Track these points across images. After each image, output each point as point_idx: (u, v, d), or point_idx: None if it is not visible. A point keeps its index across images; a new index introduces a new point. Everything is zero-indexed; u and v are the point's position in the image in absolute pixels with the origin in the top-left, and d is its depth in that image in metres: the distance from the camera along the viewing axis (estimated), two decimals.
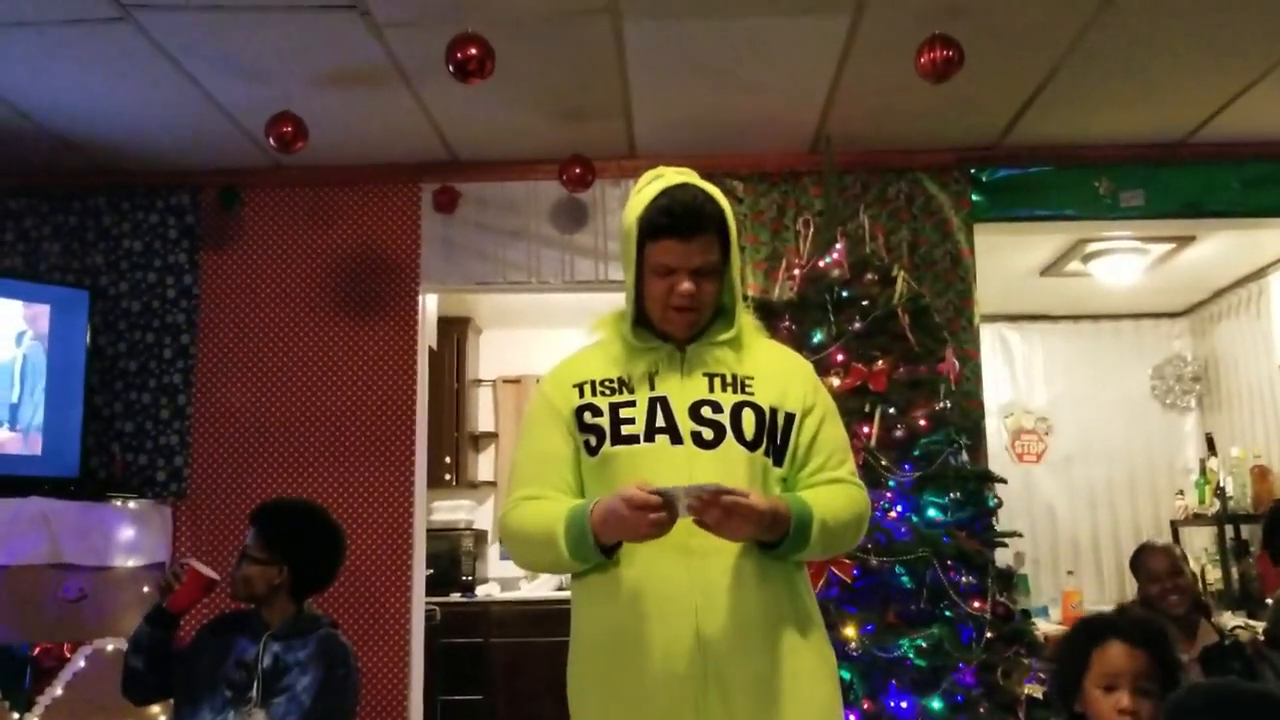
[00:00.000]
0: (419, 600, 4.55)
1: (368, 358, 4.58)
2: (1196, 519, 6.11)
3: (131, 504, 4.28)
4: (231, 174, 4.59)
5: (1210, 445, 6.21)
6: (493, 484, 6.77)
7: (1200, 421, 6.69)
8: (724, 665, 1.88)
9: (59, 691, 3.73)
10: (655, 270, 1.98)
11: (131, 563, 4.19)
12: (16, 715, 3.60)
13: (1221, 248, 5.43)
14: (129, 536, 4.21)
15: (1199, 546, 6.20)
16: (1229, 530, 5.73)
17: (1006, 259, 5.48)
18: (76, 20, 3.36)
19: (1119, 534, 6.66)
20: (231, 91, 3.89)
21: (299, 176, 4.62)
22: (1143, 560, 3.56)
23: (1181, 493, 6.40)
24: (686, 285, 1.96)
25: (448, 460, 6.39)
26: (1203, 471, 6.15)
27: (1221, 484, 5.81)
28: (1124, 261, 5.47)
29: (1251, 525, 5.77)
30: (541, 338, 6.47)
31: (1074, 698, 2.09)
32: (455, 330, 6.49)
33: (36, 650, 3.91)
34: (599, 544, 1.89)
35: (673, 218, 1.95)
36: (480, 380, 6.91)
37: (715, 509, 1.78)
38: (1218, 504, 5.81)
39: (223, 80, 3.80)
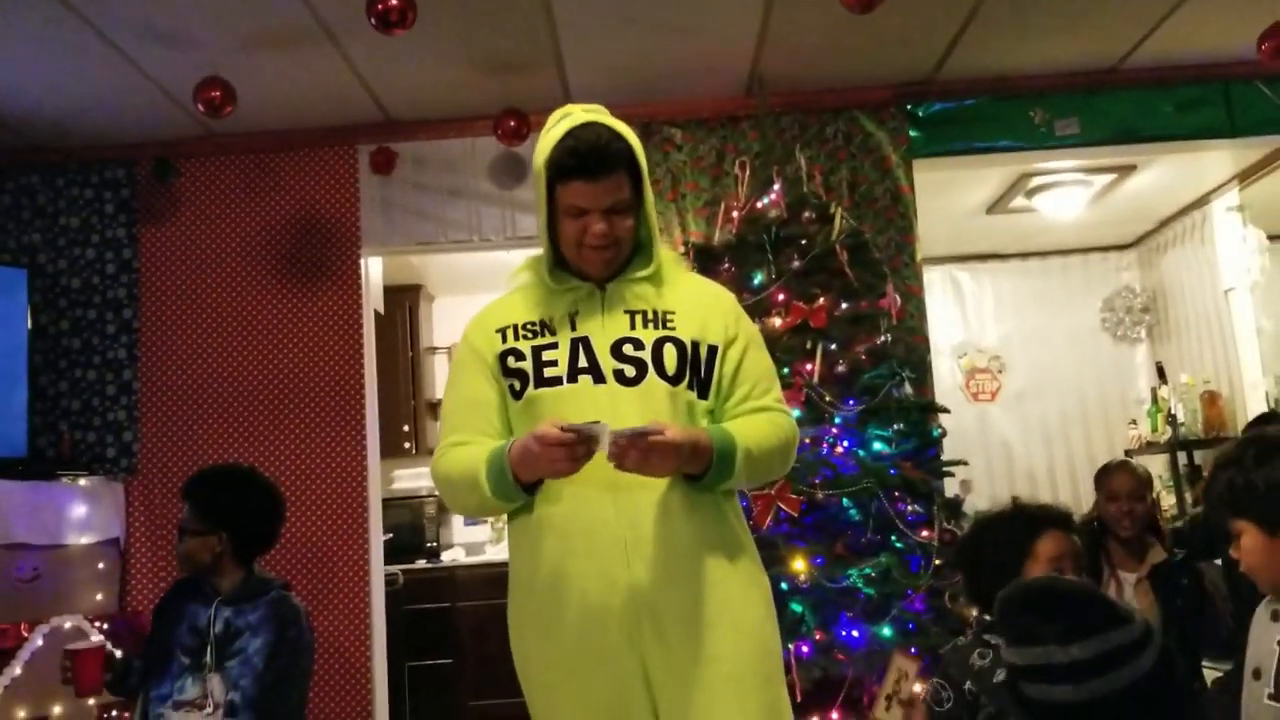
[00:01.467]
0: (377, 567, 4.55)
1: (313, 325, 4.55)
2: (1150, 447, 6.20)
3: (82, 481, 4.25)
4: (165, 145, 4.53)
5: (1161, 374, 6.30)
6: None
7: (1150, 351, 6.79)
8: (655, 597, 1.90)
9: (18, 671, 3.71)
10: (567, 212, 1.98)
11: (85, 540, 4.17)
12: None
13: (1163, 176, 5.48)
14: (81, 514, 4.19)
15: (1153, 474, 6.28)
16: (1181, 457, 5.83)
17: (952, 199, 5.51)
18: None
19: (1074, 466, 6.75)
20: (157, 59, 3.83)
21: (233, 144, 4.56)
22: (1107, 477, 3.55)
23: (1134, 422, 6.49)
24: (599, 226, 1.96)
25: (406, 429, 6.37)
26: (1154, 400, 6.24)
27: (1173, 411, 5.89)
28: (1067, 194, 5.51)
29: (1203, 450, 5.87)
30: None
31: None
32: (406, 298, 6.44)
33: None
34: (519, 482, 1.90)
35: (579, 158, 1.94)
36: (435, 348, 6.88)
37: (634, 452, 1.79)
38: (1169, 431, 5.90)
39: (147, 48, 3.74)
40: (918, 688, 2.96)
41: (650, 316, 2.02)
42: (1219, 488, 1.73)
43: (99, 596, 4.18)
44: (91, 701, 3.79)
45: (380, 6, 3.14)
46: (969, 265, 6.81)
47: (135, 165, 4.58)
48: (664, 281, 2.07)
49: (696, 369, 2.01)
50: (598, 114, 2.01)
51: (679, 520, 1.94)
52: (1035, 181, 5.41)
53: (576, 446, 1.79)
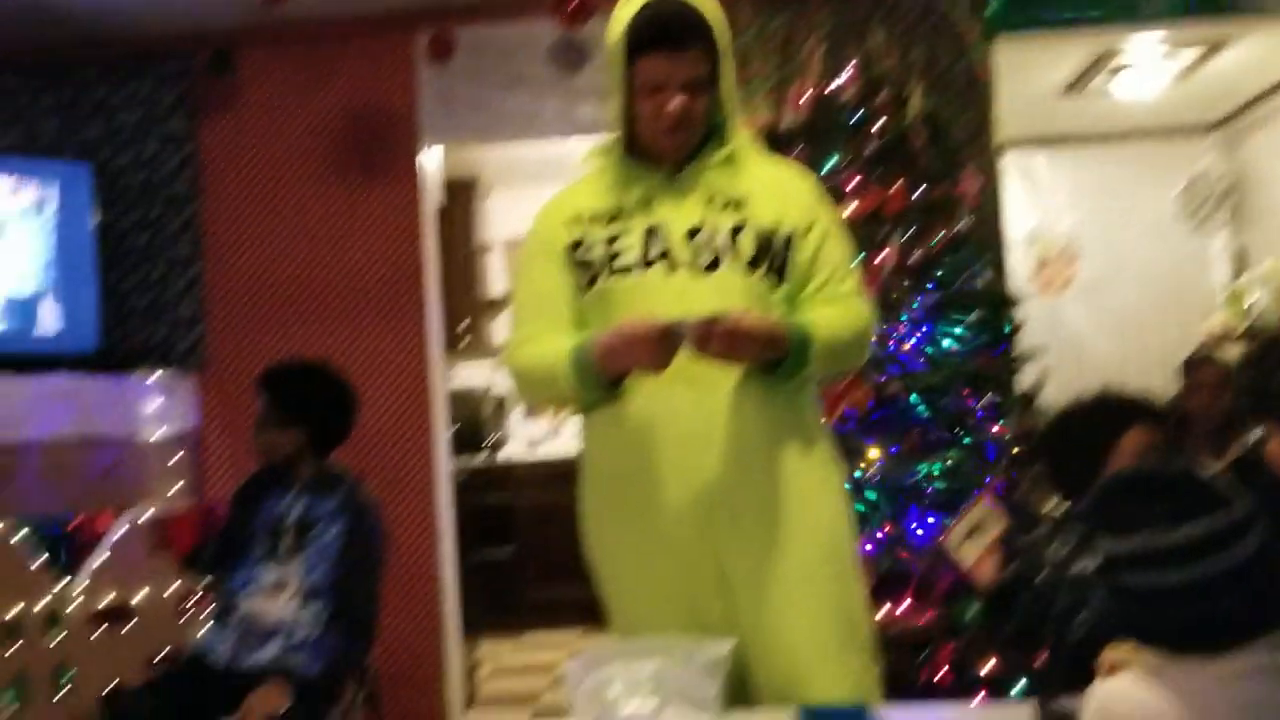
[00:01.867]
0: (443, 461, 4.60)
1: (374, 216, 4.51)
2: (1228, 338, 6.01)
3: (155, 375, 4.31)
4: (221, 36, 4.45)
5: (1241, 262, 6.09)
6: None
7: (1231, 239, 6.54)
8: (729, 489, 1.89)
9: (103, 558, 3.84)
10: (645, 87, 1.90)
11: (160, 432, 4.25)
12: (64, 580, 3.71)
13: (1254, 52, 5.18)
14: (155, 407, 4.27)
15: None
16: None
17: (1027, 79, 5.28)
18: None
19: (1147, 359, 6.56)
20: None
21: (290, 34, 4.47)
22: (1192, 369, 3.49)
23: (1212, 313, 6.30)
24: (677, 101, 1.89)
25: (464, 325, 6.39)
26: (1233, 289, 6.04)
27: (1253, 300, 5.70)
28: (1150, 72, 5.26)
29: None
30: (550, 196, 6.36)
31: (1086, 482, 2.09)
32: (462, 193, 6.39)
33: (76, 521, 4.01)
34: (603, 377, 1.87)
35: (660, 28, 1.87)
36: (491, 244, 6.84)
37: (716, 339, 1.76)
38: (1248, 321, 5.71)
39: None
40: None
41: (726, 202, 1.96)
42: (1241, 388, 1.66)
43: (175, 487, 4.28)
44: (171, 589, 3.92)
45: None
46: (1042, 149, 6.57)
47: (192, 58, 4.51)
48: (740, 165, 2.00)
49: (773, 256, 1.95)
50: None
51: (755, 413, 1.91)
52: (1117, 60, 5.16)
53: (666, 340, 1.76)
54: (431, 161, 4.78)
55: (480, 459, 6.23)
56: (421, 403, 4.50)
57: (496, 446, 6.35)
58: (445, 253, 5.21)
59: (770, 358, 1.87)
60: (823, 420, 2.06)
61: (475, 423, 6.35)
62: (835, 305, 1.97)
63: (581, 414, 2.06)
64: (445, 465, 4.62)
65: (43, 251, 4.15)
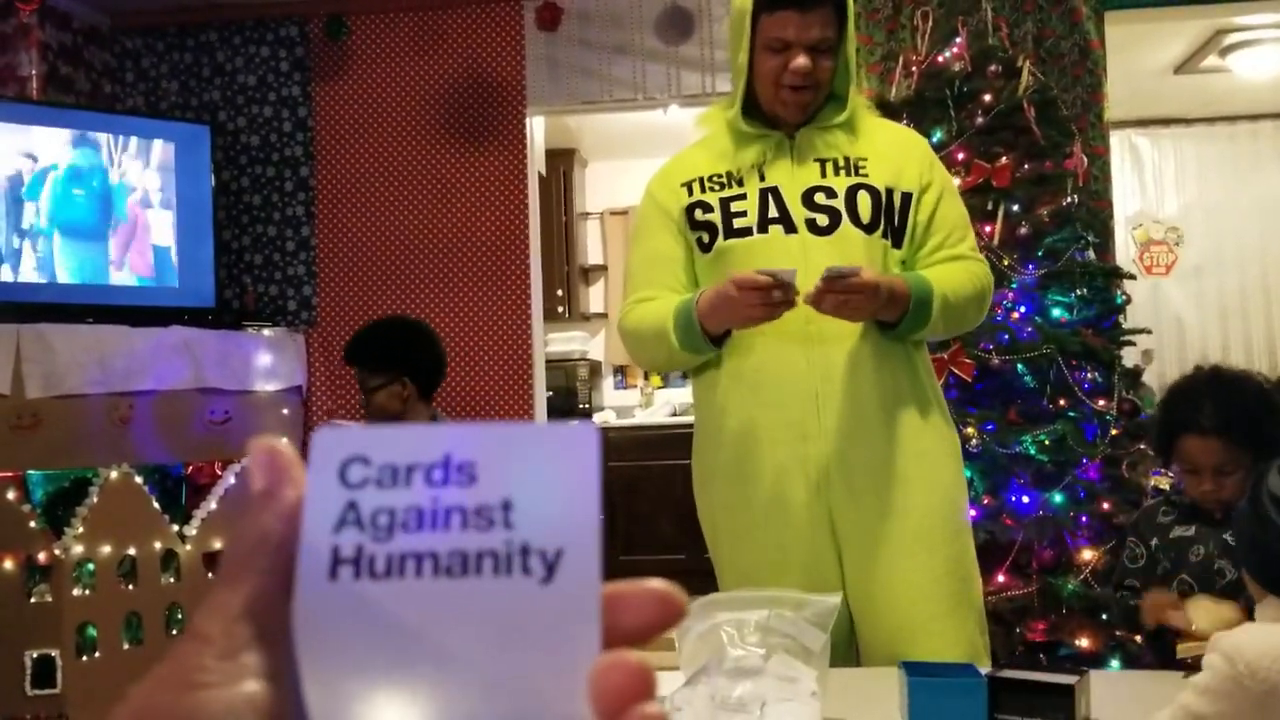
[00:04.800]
0: (542, 421, 4.69)
1: (480, 182, 4.61)
2: None
3: (266, 332, 4.46)
4: (336, 2, 4.58)
5: None
6: (604, 316, 6.85)
7: None
8: (845, 449, 1.90)
9: (213, 506, 3.98)
10: (769, 45, 1.92)
11: (270, 387, 4.39)
12: (177, 526, 3.87)
13: None
14: (266, 363, 4.41)
15: None
16: None
17: (1137, 58, 5.18)
18: None
19: (1251, 345, 6.44)
20: None
21: (401, 1, 4.58)
22: None
23: None
24: (803, 59, 1.90)
25: (560, 293, 6.47)
26: None
27: None
28: (1266, 52, 5.11)
29: None
30: (647, 168, 6.35)
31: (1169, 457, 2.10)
32: (561, 162, 6.46)
33: (189, 469, 4.18)
34: (706, 332, 1.90)
35: None
36: (588, 213, 6.91)
37: (831, 294, 1.75)
38: None
39: None
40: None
41: (843, 164, 1.96)
42: None
43: (284, 440, 4.40)
44: None
45: None
46: (1149, 130, 6.44)
47: (308, 23, 4.65)
48: (857, 128, 2.00)
49: (890, 216, 1.95)
50: None
51: (871, 373, 1.91)
52: (1231, 39, 5.03)
53: (773, 291, 1.76)
54: (538, 128, 4.86)
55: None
56: (524, 366, 4.60)
57: (588, 414, 6.42)
58: (544, 220, 5.29)
59: (890, 315, 1.87)
60: (937, 383, 2.06)
61: (568, 389, 6.43)
62: (954, 264, 1.97)
63: (693, 375, 2.08)
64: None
65: (164, 211, 4.32)
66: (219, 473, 4.17)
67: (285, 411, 4.47)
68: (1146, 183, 6.52)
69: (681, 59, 4.50)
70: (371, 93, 4.66)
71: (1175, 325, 6.49)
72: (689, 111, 4.57)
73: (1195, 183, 6.46)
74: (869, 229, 1.94)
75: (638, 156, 6.56)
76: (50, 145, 4.01)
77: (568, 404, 6.41)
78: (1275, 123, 6.42)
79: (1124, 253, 6.36)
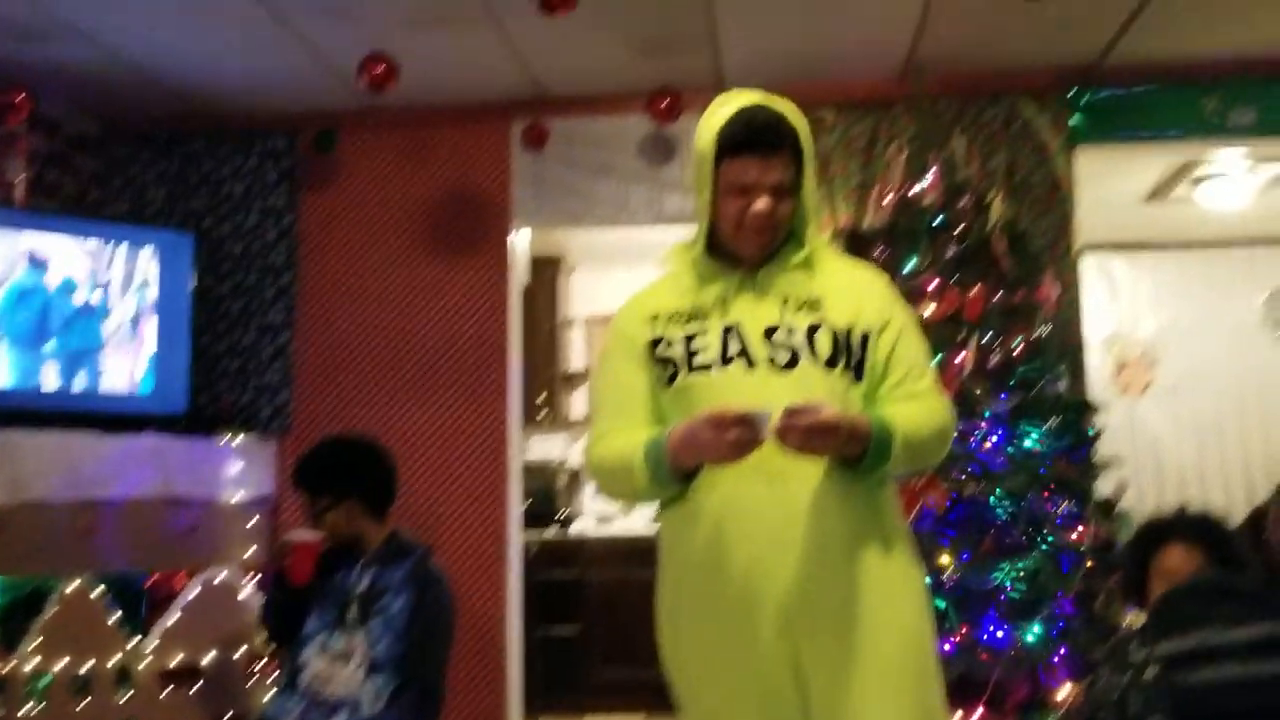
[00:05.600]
0: (515, 535, 4.64)
1: (463, 295, 4.64)
2: None
3: (238, 439, 4.42)
4: (326, 116, 4.66)
5: None
6: (586, 422, 6.83)
7: None
8: (809, 588, 1.89)
9: (174, 618, 3.91)
10: (731, 188, 1.96)
11: (239, 496, 4.35)
12: (137, 638, 3.79)
13: None
14: (236, 470, 4.37)
15: None
16: None
17: (1110, 186, 5.28)
18: None
19: (1227, 468, 6.45)
20: (323, 33, 3.94)
21: (391, 118, 4.67)
22: None
23: None
24: (763, 204, 1.95)
25: (542, 398, 6.46)
26: None
27: None
28: (1234, 184, 5.24)
29: None
30: (632, 277, 6.32)
31: (1144, 597, 2.09)
32: (548, 270, 6.51)
33: (151, 580, 4.11)
34: (677, 469, 1.91)
35: (752, 133, 1.94)
36: (572, 320, 6.95)
37: (795, 430, 1.77)
38: None
39: (315, 21, 3.84)
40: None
41: (802, 302, 2.00)
42: None
43: (251, 550, 4.35)
44: (240, 652, 3.97)
45: None
46: (1124, 254, 6.52)
47: (297, 135, 4.72)
48: (816, 267, 2.04)
49: (850, 354, 1.98)
50: (763, 97, 2.01)
51: (835, 510, 1.91)
52: (1200, 171, 5.16)
53: (745, 430, 1.78)
54: (521, 241, 4.92)
55: (551, 533, 6.25)
56: (498, 476, 4.57)
57: (568, 521, 6.37)
58: (528, 327, 5.32)
59: (851, 452, 1.88)
60: (903, 519, 2.06)
61: (548, 495, 6.38)
62: (914, 401, 1.99)
63: (659, 510, 2.08)
64: (517, 539, 4.66)
65: (142, 318, 4.32)
66: (180, 584, 4.09)
67: (252, 522, 4.40)
68: (1122, 304, 6.59)
69: (664, 181, 4.58)
70: (357, 204, 4.72)
71: (1152, 446, 6.50)
72: (674, 229, 4.65)
73: (1170, 305, 6.54)
74: (828, 366, 1.96)
75: (622, 266, 6.60)
76: (30, 250, 4.03)
77: (546, 511, 6.36)
78: (1246, 250, 6.53)
79: (1100, 372, 6.41)
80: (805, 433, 1.78)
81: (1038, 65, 4.30)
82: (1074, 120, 4.36)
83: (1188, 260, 6.55)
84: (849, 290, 2.03)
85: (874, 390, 2.01)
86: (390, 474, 3.17)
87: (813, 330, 1.97)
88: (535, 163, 4.64)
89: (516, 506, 4.68)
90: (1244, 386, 6.46)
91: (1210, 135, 4.38)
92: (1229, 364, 6.46)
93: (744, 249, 2.01)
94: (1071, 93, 4.37)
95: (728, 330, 1.98)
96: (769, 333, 1.97)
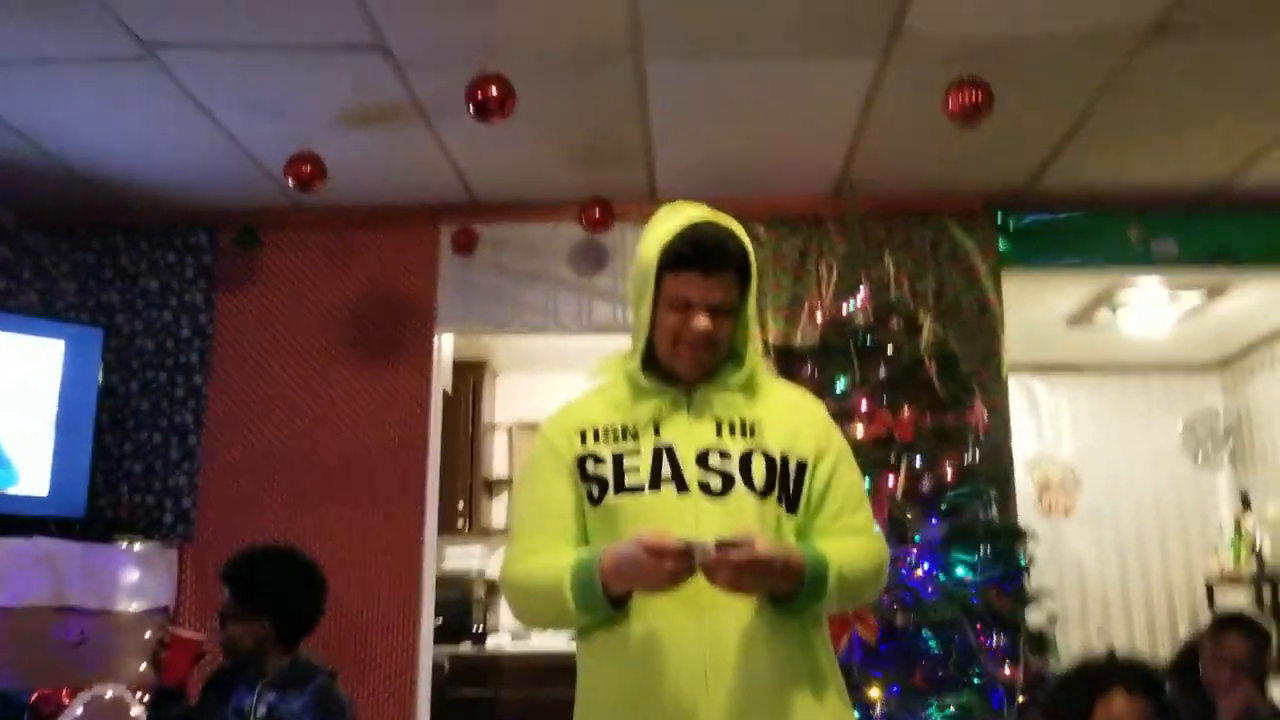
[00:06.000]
0: (426, 651, 4.44)
1: (382, 401, 4.50)
2: (1231, 580, 5.93)
3: (137, 546, 4.20)
4: (249, 214, 4.55)
5: (1245, 502, 6.05)
6: (506, 531, 6.64)
7: (1234, 477, 6.53)
8: None
9: None
10: (672, 304, 1.90)
11: (134, 606, 4.11)
12: None
13: (1256, 299, 5.30)
14: (133, 579, 4.14)
15: (1234, 608, 6.02)
16: (1266, 592, 5.56)
17: (1033, 308, 5.37)
18: (99, 58, 3.35)
19: (1150, 591, 6.48)
20: (251, 130, 3.85)
21: (317, 217, 4.58)
22: (1222, 636, 3.05)
23: (1216, 551, 6.22)
24: (702, 322, 1.88)
25: (461, 506, 6.29)
26: (1237, 530, 5.99)
27: (1257, 544, 5.64)
28: (1155, 312, 5.35)
29: None
30: (559, 383, 6.29)
31: None
32: (472, 374, 6.40)
33: (34, 695, 3.83)
34: (608, 595, 1.80)
35: (697, 249, 1.88)
36: (496, 425, 6.82)
37: (725, 567, 1.69)
38: (1254, 564, 5.64)
39: (243, 118, 3.77)
40: None
41: (739, 426, 1.92)
42: None
43: (142, 667, 4.09)
44: None
45: (480, 95, 3.13)
46: (1046, 376, 6.63)
47: (218, 231, 4.60)
48: (754, 390, 1.98)
49: (785, 483, 1.90)
50: (710, 213, 1.96)
51: (763, 647, 1.81)
52: (1121, 297, 5.27)
53: (684, 561, 1.69)
54: (445, 345, 4.82)
55: (466, 647, 6.02)
56: (411, 589, 4.39)
57: (483, 635, 6.14)
58: (449, 432, 5.19)
59: (784, 589, 1.79)
60: (833, 659, 1.97)
61: (462, 608, 6.16)
62: (850, 536, 1.92)
63: (578, 636, 1.95)
64: (428, 656, 4.46)
65: (43, 414, 4.11)
66: (66, 700, 3.82)
67: (148, 634, 4.15)
68: (1044, 426, 6.67)
69: (594, 289, 4.54)
70: (277, 304, 4.58)
71: (1076, 568, 6.52)
72: (603, 339, 4.59)
73: (1091, 428, 6.64)
74: (763, 494, 1.88)
75: (549, 371, 6.54)
76: None
77: (460, 623, 6.13)
78: (1163, 376, 6.67)
79: (1023, 492, 6.43)
80: (735, 570, 1.69)
81: (967, 188, 4.37)
82: (1002, 244, 4.43)
83: (1108, 384, 6.67)
84: (787, 416, 1.97)
85: (808, 522, 1.93)
86: (314, 608, 2.97)
87: (748, 456, 1.89)
88: (464, 267, 4.56)
89: (429, 621, 4.49)
90: (1164, 511, 6.55)
91: (1133, 264, 4.48)
92: (1149, 488, 6.56)
93: (681, 366, 1.94)
94: (999, 217, 4.45)
95: (660, 451, 1.90)
96: (703, 456, 1.89)
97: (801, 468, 1.92)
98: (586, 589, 1.80)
